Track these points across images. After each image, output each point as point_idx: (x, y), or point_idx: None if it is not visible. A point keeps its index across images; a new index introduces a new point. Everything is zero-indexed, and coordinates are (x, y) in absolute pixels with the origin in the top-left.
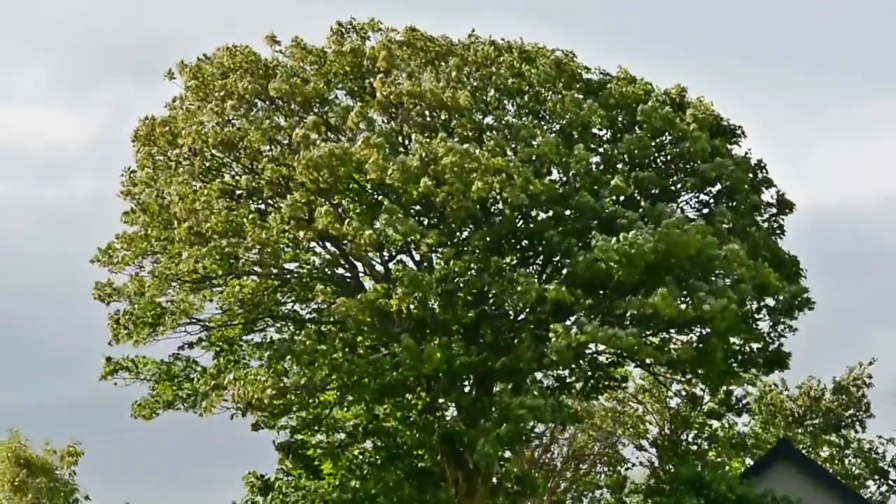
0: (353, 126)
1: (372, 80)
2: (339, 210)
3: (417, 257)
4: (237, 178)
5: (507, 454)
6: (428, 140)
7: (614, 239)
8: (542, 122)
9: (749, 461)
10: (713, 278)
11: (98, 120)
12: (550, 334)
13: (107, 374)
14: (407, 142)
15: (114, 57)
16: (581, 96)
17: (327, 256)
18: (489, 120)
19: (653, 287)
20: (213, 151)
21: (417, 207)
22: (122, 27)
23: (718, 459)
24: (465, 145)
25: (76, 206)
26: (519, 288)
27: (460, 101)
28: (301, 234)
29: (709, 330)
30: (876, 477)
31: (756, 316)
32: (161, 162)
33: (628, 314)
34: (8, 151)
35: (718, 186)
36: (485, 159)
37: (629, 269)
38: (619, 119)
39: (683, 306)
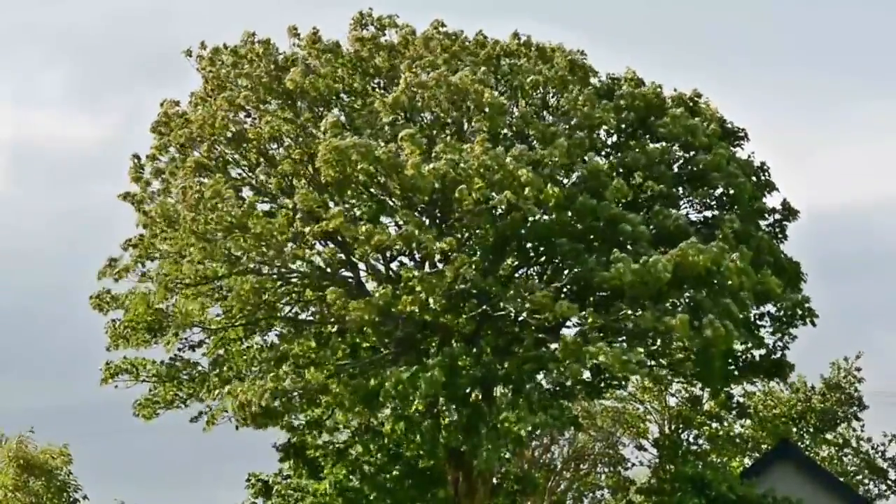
0: (382, 110)
1: (383, 77)
2: (346, 208)
3: (418, 258)
4: (244, 175)
5: (507, 455)
6: (458, 142)
7: (634, 264)
8: (549, 121)
9: (749, 461)
10: (717, 288)
11: (115, 124)
12: (554, 344)
13: (106, 379)
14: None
15: (132, 61)
16: (594, 98)
17: (328, 257)
18: (508, 119)
19: (662, 297)
20: (222, 149)
21: (422, 207)
22: (141, 32)
23: (718, 460)
24: (497, 150)
25: (90, 208)
26: (533, 298)
27: (485, 97)
28: (307, 230)
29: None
30: (875, 476)
31: (759, 323)
32: (172, 155)
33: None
34: (26, 153)
35: (720, 190)
36: (511, 167)
37: (643, 289)
38: (628, 123)
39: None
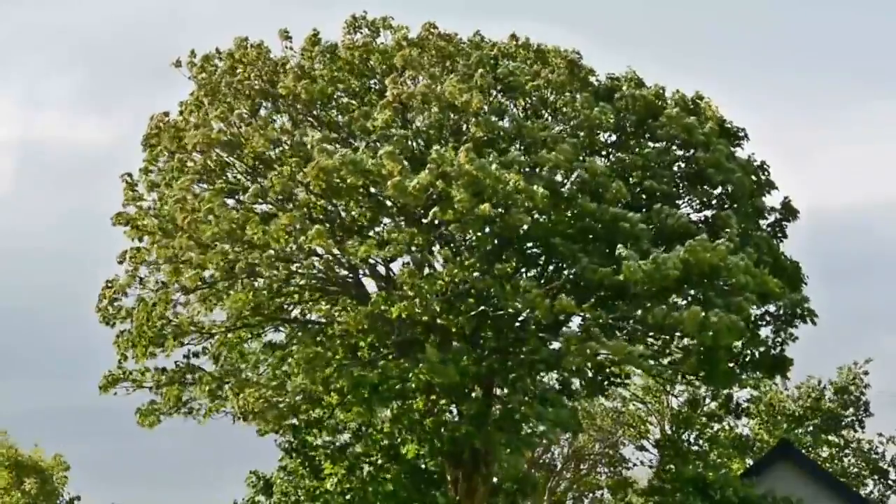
0: (375, 129)
1: (378, 79)
2: (343, 215)
3: (418, 256)
4: (242, 179)
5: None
6: (443, 151)
7: (644, 262)
8: (552, 124)
9: (749, 461)
10: (722, 286)
11: (123, 126)
12: (556, 342)
13: (106, 387)
14: (417, 144)
15: (141, 64)
16: (592, 100)
17: (328, 258)
18: (503, 123)
19: (666, 294)
20: (218, 153)
21: (417, 214)
22: (151, 36)
23: (719, 460)
24: (482, 160)
25: (97, 210)
26: (528, 298)
27: (473, 105)
28: (302, 238)
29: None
30: (875, 476)
31: (759, 323)
32: (165, 165)
33: (633, 319)
34: (34, 154)
35: (720, 189)
36: (497, 174)
37: (650, 286)
38: (628, 124)
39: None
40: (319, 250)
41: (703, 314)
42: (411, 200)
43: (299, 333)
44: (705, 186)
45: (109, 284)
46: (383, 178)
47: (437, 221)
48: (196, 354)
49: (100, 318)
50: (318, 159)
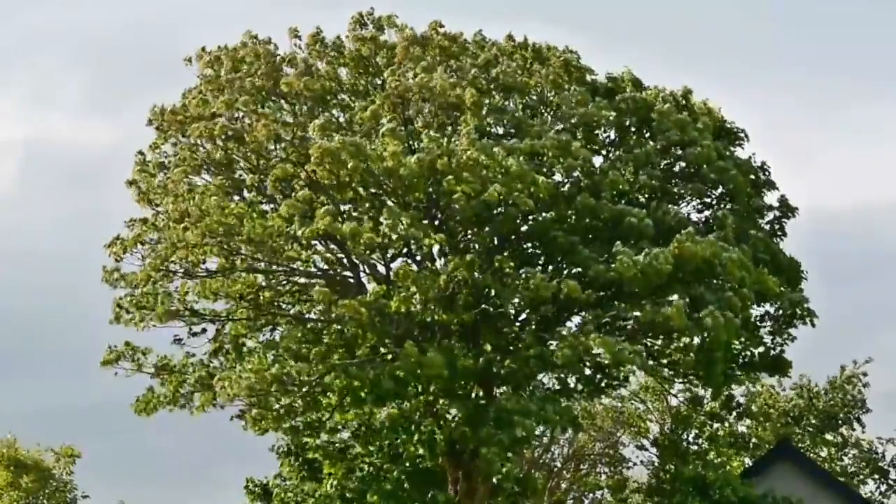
0: (363, 121)
1: (382, 76)
2: (342, 211)
3: (419, 257)
4: (243, 175)
5: (509, 454)
6: (444, 137)
7: (637, 255)
8: (547, 121)
9: (749, 461)
10: (717, 283)
11: (130, 128)
12: (555, 341)
13: (108, 361)
14: (414, 139)
15: (149, 66)
16: (588, 96)
17: (328, 255)
18: (493, 119)
19: (661, 293)
20: (221, 146)
21: (419, 207)
22: (158, 38)
23: (718, 460)
24: (485, 141)
25: (102, 211)
26: (531, 285)
27: (467, 100)
28: (301, 232)
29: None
30: (875, 476)
31: (758, 323)
32: (173, 158)
33: (632, 319)
34: (40, 155)
35: (720, 189)
36: (500, 159)
37: (644, 282)
38: (628, 123)
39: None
40: (320, 247)
41: (697, 314)
42: (413, 175)
43: (298, 334)
44: (702, 184)
45: (118, 241)
46: (383, 162)
47: (437, 221)
48: (195, 334)
49: (103, 278)
50: (321, 142)
